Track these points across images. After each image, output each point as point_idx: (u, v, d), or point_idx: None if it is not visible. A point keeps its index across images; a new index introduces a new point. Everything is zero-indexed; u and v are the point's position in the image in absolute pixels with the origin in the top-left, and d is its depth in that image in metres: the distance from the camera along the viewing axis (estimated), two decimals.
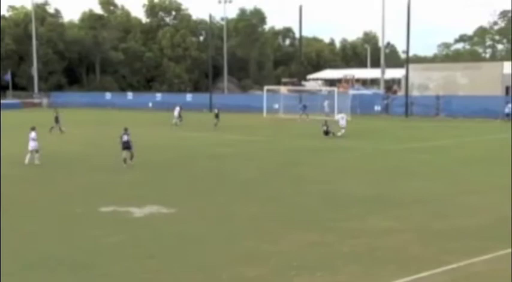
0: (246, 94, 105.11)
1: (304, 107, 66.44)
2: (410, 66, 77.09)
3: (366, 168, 30.70)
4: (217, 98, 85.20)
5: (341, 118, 51.26)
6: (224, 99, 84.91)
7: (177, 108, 60.21)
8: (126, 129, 32.00)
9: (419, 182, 26.35)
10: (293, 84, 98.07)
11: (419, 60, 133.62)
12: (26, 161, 31.77)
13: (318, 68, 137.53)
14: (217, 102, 77.74)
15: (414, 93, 76.09)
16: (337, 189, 24.47)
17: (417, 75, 78.29)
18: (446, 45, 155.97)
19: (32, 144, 32.00)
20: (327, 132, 46.67)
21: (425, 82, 79.34)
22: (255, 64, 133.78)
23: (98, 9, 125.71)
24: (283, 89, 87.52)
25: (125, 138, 31.57)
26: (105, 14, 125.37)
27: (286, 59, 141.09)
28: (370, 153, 37.33)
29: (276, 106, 74.17)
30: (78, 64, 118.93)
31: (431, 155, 36.25)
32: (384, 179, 27.15)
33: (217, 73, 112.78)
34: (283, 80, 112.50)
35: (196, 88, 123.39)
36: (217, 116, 56.53)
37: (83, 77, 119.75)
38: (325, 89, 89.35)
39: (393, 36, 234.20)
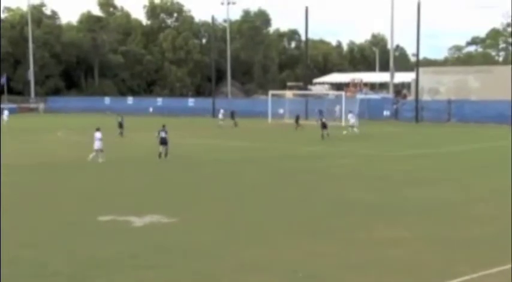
0: (250, 99, 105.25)
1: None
2: (421, 69, 77.11)
3: (373, 174, 30.67)
4: (221, 102, 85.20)
5: (351, 117, 53.27)
6: (227, 103, 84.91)
7: (222, 111, 65.90)
8: (164, 126, 35.92)
9: (428, 189, 26.30)
10: (299, 88, 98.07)
11: (429, 63, 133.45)
12: (89, 158, 34.55)
13: (324, 71, 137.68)
14: (221, 106, 77.75)
15: (424, 97, 76.06)
16: (343, 196, 24.44)
17: (427, 79, 78.28)
18: (458, 48, 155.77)
19: (97, 144, 34.58)
20: (324, 125, 49.13)
21: (435, 86, 79.28)
22: (259, 67, 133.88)
23: (97, 11, 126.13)
24: (288, 94, 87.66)
25: (162, 134, 35.50)
26: (104, 16, 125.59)
27: (292, 62, 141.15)
28: (378, 159, 37.33)
29: (281, 111, 74.27)
30: (76, 68, 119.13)
31: (441, 161, 36.22)
32: (391, 186, 27.11)
33: (220, 77, 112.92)
34: (289, 84, 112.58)
35: (198, 92, 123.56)
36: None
37: (81, 81, 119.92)
38: (332, 93, 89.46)
39: (402, 38, 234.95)
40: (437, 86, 79.59)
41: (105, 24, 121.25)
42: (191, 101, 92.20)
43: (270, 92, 78.92)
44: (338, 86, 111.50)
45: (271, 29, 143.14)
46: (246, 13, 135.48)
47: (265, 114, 73.24)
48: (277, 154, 39.90)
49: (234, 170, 32.73)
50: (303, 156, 39.09)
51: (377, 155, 39.48)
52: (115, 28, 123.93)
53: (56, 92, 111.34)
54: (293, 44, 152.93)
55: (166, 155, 35.58)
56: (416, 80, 75.06)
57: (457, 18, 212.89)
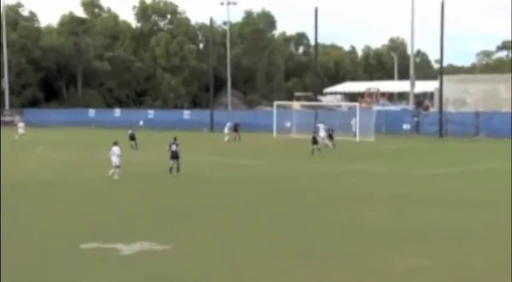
0: (253, 110, 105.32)
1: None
2: (445, 77, 77.13)
3: (389, 195, 30.75)
4: (220, 115, 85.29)
5: (322, 129, 55.69)
6: (228, 116, 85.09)
7: (228, 124, 67.09)
8: (175, 139, 37.79)
9: (450, 212, 26.37)
10: (307, 99, 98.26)
11: (455, 70, 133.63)
12: (113, 175, 36.04)
13: (336, 80, 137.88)
14: (221, 119, 77.92)
15: (449, 109, 76.10)
16: (356, 220, 24.54)
17: (453, 89, 78.30)
18: (487, 54, 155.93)
19: (115, 160, 35.94)
20: (315, 141, 50.94)
21: (462, 96, 79.36)
22: (263, 75, 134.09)
23: (80, 12, 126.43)
24: (295, 105, 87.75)
25: (174, 147, 37.07)
26: (89, 18, 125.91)
27: (300, 70, 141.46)
28: (394, 178, 37.40)
29: (288, 124, 74.35)
30: (57, 76, 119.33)
31: (466, 181, 36.30)
32: (410, 209, 27.20)
33: (219, 86, 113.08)
34: (296, 94, 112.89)
35: (194, 104, 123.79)
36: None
37: (62, 91, 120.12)
38: (345, 104, 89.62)
39: (424, 42, 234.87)
40: (464, 96, 79.68)
41: (89, 27, 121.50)
42: (187, 114, 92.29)
43: (275, 103, 79.01)
44: (352, 97, 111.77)
45: (277, 33, 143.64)
46: (248, 14, 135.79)
47: (269, 127, 73.35)
48: (283, 172, 40.03)
49: (235, 190, 32.86)
50: (311, 174, 39.16)
51: (394, 173, 39.53)
52: (101, 31, 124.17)
53: (34, 103, 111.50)
54: (301, 49, 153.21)
55: (178, 170, 37.05)
56: (440, 90, 75.09)
57: (486, 19, 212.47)
